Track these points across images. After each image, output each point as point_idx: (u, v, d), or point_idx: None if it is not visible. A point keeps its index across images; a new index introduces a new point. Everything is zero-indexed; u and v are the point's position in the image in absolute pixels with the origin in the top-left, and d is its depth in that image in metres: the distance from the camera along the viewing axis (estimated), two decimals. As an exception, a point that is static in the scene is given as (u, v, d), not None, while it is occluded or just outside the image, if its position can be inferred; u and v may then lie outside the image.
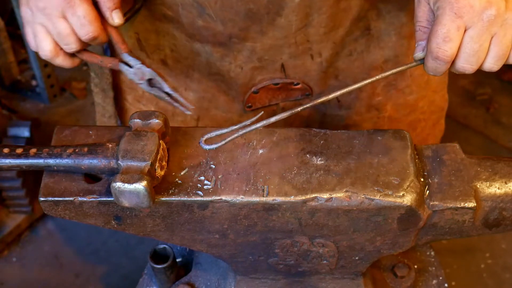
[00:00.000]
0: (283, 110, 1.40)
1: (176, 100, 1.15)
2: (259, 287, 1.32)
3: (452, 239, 1.22)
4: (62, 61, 1.14)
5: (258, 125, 1.06)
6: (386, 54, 1.35)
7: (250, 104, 1.38)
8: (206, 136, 1.06)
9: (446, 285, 1.52)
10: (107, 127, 1.18)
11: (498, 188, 1.13)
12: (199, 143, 1.06)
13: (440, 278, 1.53)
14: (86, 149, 1.07)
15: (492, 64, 1.02)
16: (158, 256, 1.46)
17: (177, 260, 1.53)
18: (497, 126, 2.76)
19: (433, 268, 1.54)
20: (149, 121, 1.09)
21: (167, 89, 1.15)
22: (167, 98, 1.15)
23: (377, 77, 1.07)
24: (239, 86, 1.35)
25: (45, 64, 2.66)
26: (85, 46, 1.14)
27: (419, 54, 1.05)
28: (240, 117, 1.43)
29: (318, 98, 1.07)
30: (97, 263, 2.30)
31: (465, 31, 0.99)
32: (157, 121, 1.09)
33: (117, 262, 2.31)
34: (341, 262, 1.23)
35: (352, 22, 1.27)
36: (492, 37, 0.99)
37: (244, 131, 1.06)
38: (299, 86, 1.36)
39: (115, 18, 1.12)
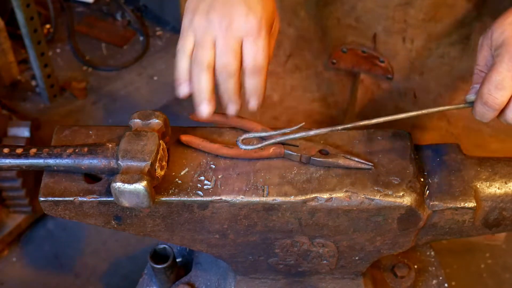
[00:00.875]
0: (362, 83, 1.39)
1: (353, 160, 1.11)
2: (259, 287, 1.32)
3: (452, 239, 1.22)
4: (205, 80, 1.02)
5: (297, 135, 1.06)
6: None
7: (335, 61, 1.38)
8: (244, 136, 1.06)
9: (446, 285, 1.52)
10: (107, 127, 1.18)
11: (498, 188, 1.13)
12: (236, 141, 1.06)
13: (440, 278, 1.53)
14: (86, 149, 1.07)
15: None
16: (158, 256, 1.46)
17: (177, 260, 1.53)
18: (497, 126, 2.76)
19: (433, 268, 1.54)
20: (149, 121, 1.09)
21: (341, 153, 1.11)
22: (342, 162, 1.11)
23: (424, 111, 1.07)
24: (331, 39, 1.35)
25: (45, 64, 2.67)
26: (238, 88, 1.04)
27: (471, 96, 1.05)
28: (324, 69, 1.42)
29: (360, 122, 1.05)
30: (97, 263, 2.30)
31: None
32: (157, 121, 1.09)
33: (117, 262, 2.31)
34: (341, 262, 1.23)
35: (454, 25, 1.25)
36: None
37: (281, 138, 1.06)
38: (384, 64, 1.34)
39: None
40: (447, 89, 1.35)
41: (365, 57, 1.36)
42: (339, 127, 1.06)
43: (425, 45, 1.29)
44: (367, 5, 1.26)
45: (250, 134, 1.07)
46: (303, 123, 1.07)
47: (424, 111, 1.07)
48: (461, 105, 1.08)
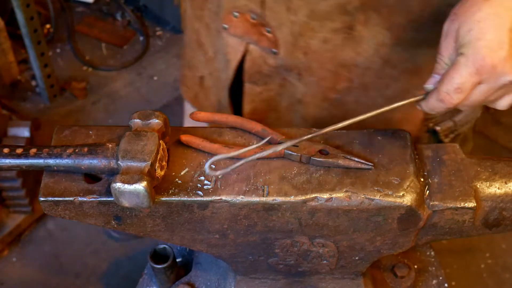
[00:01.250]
0: (251, 54, 1.38)
1: (353, 160, 1.11)
2: (259, 287, 1.32)
3: (452, 239, 1.22)
4: None
5: (266, 152, 1.02)
6: (358, 60, 1.33)
7: (226, 26, 1.37)
8: (211, 160, 0.98)
9: (446, 285, 1.52)
10: (107, 127, 1.18)
11: (498, 188, 1.13)
12: (204, 167, 1.00)
13: (440, 278, 1.53)
14: (86, 149, 1.07)
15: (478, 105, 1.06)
16: (158, 256, 1.46)
17: (177, 260, 1.53)
18: (497, 126, 2.76)
19: (433, 268, 1.54)
20: (149, 121, 1.09)
21: (341, 153, 1.12)
22: (342, 162, 1.11)
23: (376, 111, 1.07)
24: (226, 1, 1.34)
25: (45, 64, 2.67)
26: None
27: (429, 86, 1.05)
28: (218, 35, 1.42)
29: (325, 128, 1.06)
30: (97, 263, 2.31)
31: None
32: (157, 121, 1.09)
33: (117, 262, 2.31)
34: (341, 262, 1.23)
35: (337, 9, 1.24)
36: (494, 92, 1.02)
37: (253, 157, 1.02)
38: (270, 35, 1.33)
39: None
40: (330, 74, 1.35)
41: (254, 24, 1.33)
42: (309, 136, 1.05)
43: (308, 22, 1.27)
44: None
45: (218, 157, 1.00)
46: (270, 137, 1.07)
47: (379, 110, 1.07)
48: (420, 97, 1.07)
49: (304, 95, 1.43)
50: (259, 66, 1.39)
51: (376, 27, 1.25)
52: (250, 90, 1.44)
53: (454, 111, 1.35)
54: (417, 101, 1.08)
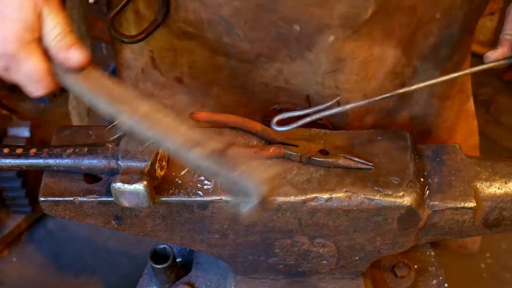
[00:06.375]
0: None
1: (353, 160, 1.11)
2: (259, 287, 1.32)
3: (452, 239, 1.22)
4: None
5: (332, 111, 1.07)
6: (414, 111, 1.33)
7: (270, 118, 1.37)
8: (277, 118, 1.07)
9: (446, 285, 1.52)
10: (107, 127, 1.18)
11: (498, 188, 1.13)
12: (270, 124, 1.07)
13: (440, 278, 1.53)
14: (86, 149, 1.07)
15: None
16: (158, 256, 1.46)
17: (177, 260, 1.53)
18: (497, 126, 2.76)
19: (433, 268, 1.54)
20: (149, 121, 1.09)
21: (341, 153, 1.12)
22: (342, 162, 1.11)
23: (467, 71, 1.10)
24: (261, 101, 1.32)
25: (45, 64, 2.67)
26: None
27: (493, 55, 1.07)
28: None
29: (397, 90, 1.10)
30: (97, 263, 2.30)
31: None
32: (157, 121, 1.09)
33: (117, 262, 2.31)
34: (341, 262, 1.23)
35: (388, 77, 1.23)
36: None
37: (318, 115, 1.07)
38: (322, 121, 1.30)
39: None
40: None
41: (301, 115, 1.29)
42: (377, 98, 1.09)
43: (363, 107, 1.24)
44: (294, 70, 1.22)
45: (284, 115, 1.07)
46: (339, 97, 1.08)
47: (467, 71, 1.09)
48: (501, 62, 1.08)
49: None
50: None
51: (425, 72, 1.27)
52: None
53: None
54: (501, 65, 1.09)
